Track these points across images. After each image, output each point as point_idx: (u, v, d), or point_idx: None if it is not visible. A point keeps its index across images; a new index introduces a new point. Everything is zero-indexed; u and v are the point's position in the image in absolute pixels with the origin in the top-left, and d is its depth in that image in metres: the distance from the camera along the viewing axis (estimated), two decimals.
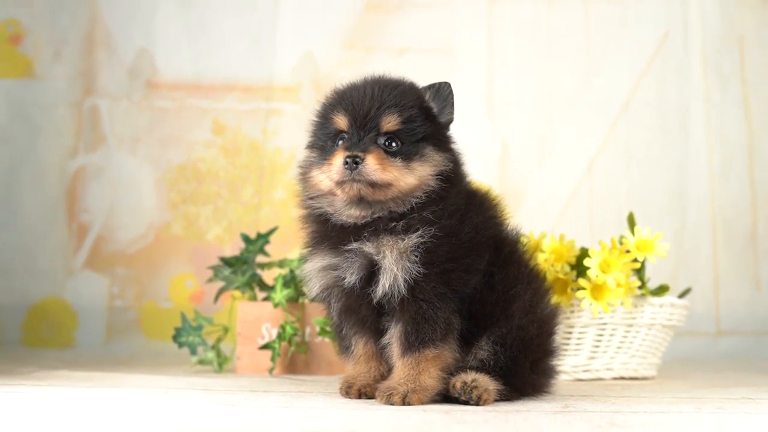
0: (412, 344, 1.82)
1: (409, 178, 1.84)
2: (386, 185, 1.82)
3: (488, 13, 4.19)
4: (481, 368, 1.87)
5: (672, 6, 4.17)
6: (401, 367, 1.83)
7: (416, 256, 1.81)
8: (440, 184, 1.87)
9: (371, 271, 1.85)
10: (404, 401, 1.78)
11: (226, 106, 4.14)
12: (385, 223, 1.85)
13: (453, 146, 1.97)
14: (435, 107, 1.94)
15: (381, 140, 1.85)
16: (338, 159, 1.83)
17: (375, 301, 1.86)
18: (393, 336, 1.86)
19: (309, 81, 4.15)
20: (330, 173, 1.85)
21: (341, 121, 1.88)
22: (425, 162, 1.86)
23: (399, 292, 1.81)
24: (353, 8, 4.19)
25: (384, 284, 1.82)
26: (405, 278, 1.81)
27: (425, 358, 1.82)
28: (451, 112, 1.96)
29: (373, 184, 1.81)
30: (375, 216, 1.86)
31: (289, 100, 4.14)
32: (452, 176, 1.90)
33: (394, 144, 1.85)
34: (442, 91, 1.96)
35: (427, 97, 1.95)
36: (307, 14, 4.19)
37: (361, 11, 4.19)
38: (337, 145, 1.87)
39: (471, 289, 1.87)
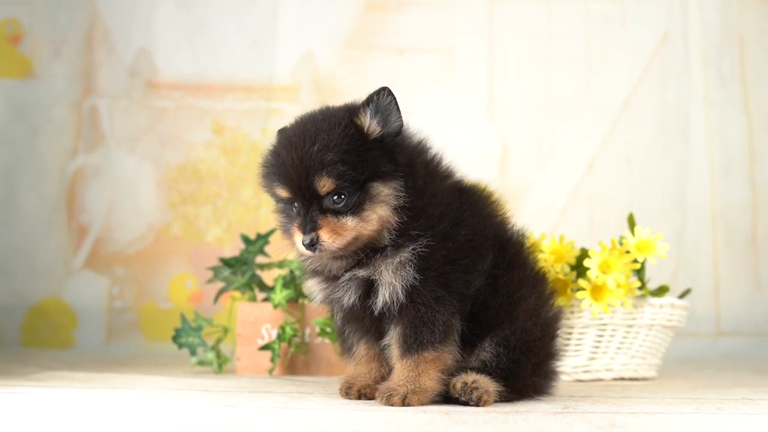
0: (411, 347, 1.82)
1: (367, 226, 1.79)
2: (352, 241, 1.80)
3: (488, 13, 4.19)
4: (483, 369, 1.87)
5: (672, 6, 4.17)
6: (401, 369, 1.83)
7: (412, 265, 1.81)
8: (402, 215, 1.79)
9: (369, 288, 1.85)
10: (404, 402, 1.78)
11: (225, 106, 4.13)
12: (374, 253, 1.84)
13: (411, 148, 1.87)
14: (376, 123, 1.81)
15: (325, 202, 1.78)
16: (297, 240, 1.81)
17: (376, 312, 1.86)
18: (392, 338, 1.86)
19: (309, 81, 4.14)
20: (298, 246, 1.82)
21: (283, 193, 1.84)
22: (375, 204, 1.79)
23: (398, 299, 1.82)
24: (353, 8, 4.19)
25: (384, 295, 1.83)
26: (403, 286, 1.81)
27: (424, 360, 1.81)
28: (399, 118, 1.83)
29: (337, 249, 1.80)
30: (359, 258, 1.84)
31: (289, 100, 4.13)
32: (423, 188, 1.83)
33: (342, 197, 1.77)
34: (381, 102, 1.81)
35: (367, 114, 1.81)
36: (307, 14, 4.19)
37: (360, 11, 4.19)
38: (293, 211, 1.83)
39: (473, 289, 1.87)
